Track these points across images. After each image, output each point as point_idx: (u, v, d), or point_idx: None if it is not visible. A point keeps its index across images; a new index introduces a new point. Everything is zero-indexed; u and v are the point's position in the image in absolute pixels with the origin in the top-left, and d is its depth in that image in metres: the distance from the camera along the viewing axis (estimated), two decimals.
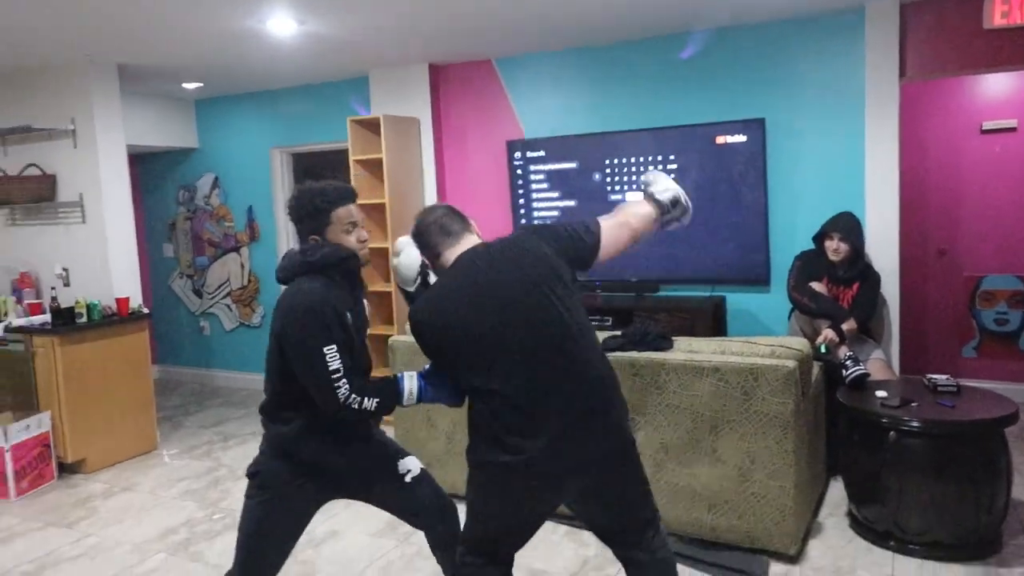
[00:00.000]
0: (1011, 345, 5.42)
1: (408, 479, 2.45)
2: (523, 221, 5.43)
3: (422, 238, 2.23)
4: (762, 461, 3.17)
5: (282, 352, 2.19)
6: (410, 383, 2.17)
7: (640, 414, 3.38)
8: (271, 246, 6.61)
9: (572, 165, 5.25)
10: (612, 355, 3.42)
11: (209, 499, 4.27)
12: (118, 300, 5.05)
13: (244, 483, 4.32)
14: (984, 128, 5.36)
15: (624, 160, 5.07)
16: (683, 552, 3.27)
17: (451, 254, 2.15)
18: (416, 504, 2.48)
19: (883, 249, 4.43)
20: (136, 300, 5.21)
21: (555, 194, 5.33)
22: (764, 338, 3.39)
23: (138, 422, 5.10)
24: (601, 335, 3.63)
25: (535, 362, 1.99)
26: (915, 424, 3.20)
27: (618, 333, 3.62)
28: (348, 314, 2.18)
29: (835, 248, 4.09)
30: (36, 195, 5.26)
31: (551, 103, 5.39)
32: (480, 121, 5.63)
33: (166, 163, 7.06)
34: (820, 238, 4.17)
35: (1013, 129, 5.29)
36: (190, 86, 6.07)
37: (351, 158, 5.45)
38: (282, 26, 4.24)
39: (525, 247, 2.12)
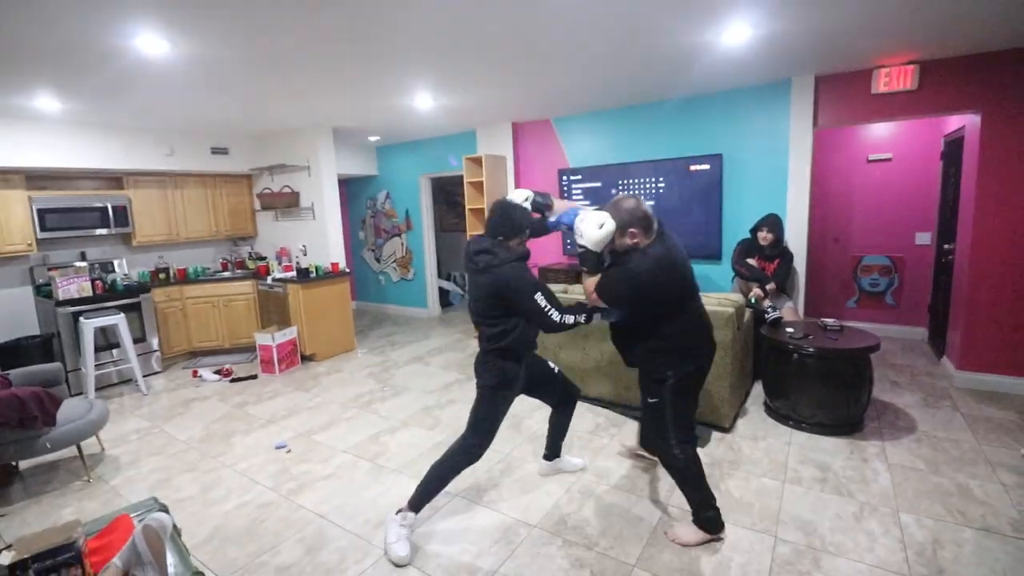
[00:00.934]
0: (880, 301, 5.06)
1: (556, 371, 2.52)
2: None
3: (637, 217, 1.99)
4: (713, 370, 3.08)
5: (507, 304, 2.08)
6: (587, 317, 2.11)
7: None
8: (419, 233, 6.73)
9: (598, 184, 5.13)
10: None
11: (382, 379, 4.45)
12: (332, 264, 5.26)
13: (404, 369, 4.62)
14: (869, 159, 4.95)
15: (632, 180, 4.92)
16: None
17: (653, 231, 2.03)
18: (560, 388, 2.50)
19: (797, 237, 4.17)
20: (342, 264, 5.42)
21: (587, 202, 5.21)
22: (715, 294, 3.28)
23: (344, 332, 5.33)
24: None
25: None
26: (811, 349, 3.06)
27: None
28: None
29: (764, 237, 3.90)
30: (288, 203, 5.50)
31: (586, 145, 5.23)
32: (542, 157, 5.53)
33: (360, 184, 7.24)
34: (755, 230, 3.98)
35: (889, 159, 4.87)
36: (373, 138, 6.18)
37: (465, 180, 5.45)
38: (423, 102, 4.25)
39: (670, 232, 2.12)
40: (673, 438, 2.12)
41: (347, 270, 5.44)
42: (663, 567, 2.04)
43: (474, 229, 5.49)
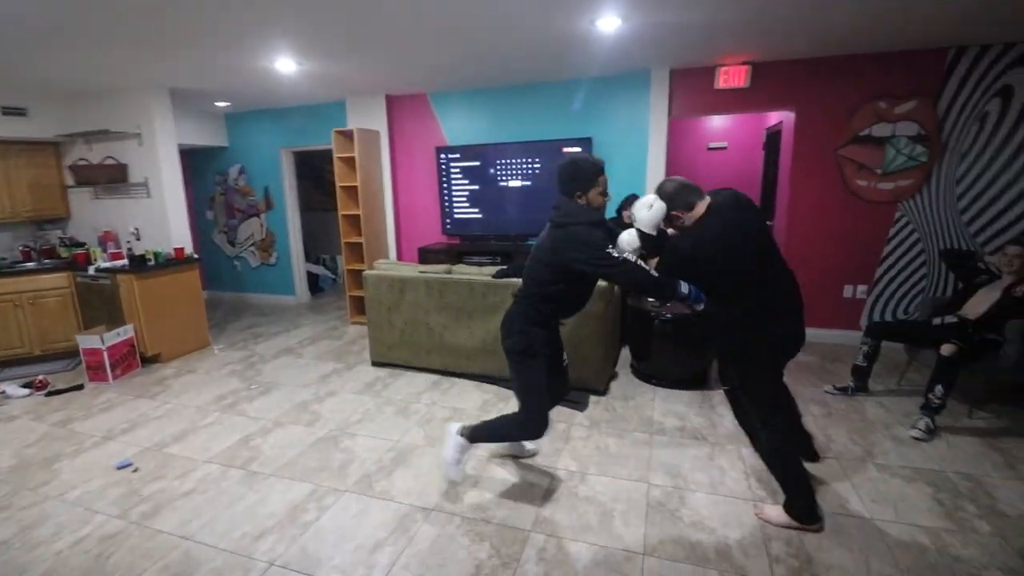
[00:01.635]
0: None
1: (566, 364, 2.41)
2: (446, 197, 5.28)
3: (680, 196, 1.98)
4: (588, 339, 3.31)
5: (563, 268, 2.03)
6: (686, 286, 2.01)
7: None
8: (282, 212, 6.13)
9: (477, 163, 5.12)
10: (504, 280, 3.45)
11: (247, 376, 4.03)
12: (176, 249, 4.58)
13: (273, 363, 4.23)
14: (709, 147, 5.62)
15: (509, 160, 5.00)
16: None
17: (701, 206, 1.98)
18: (561, 382, 2.40)
19: None
20: (188, 248, 4.74)
21: (466, 181, 5.20)
22: None
23: (195, 327, 4.71)
24: (493, 268, 3.64)
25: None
26: (668, 316, 3.42)
27: (504, 267, 3.62)
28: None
29: (629, 215, 4.20)
30: (112, 178, 4.63)
31: (464, 122, 5.18)
32: (418, 133, 5.36)
33: (205, 157, 6.36)
34: (620, 210, 4.28)
35: (725, 148, 5.58)
36: (221, 104, 5.44)
37: (334, 155, 5.08)
38: (286, 66, 3.84)
39: (741, 203, 2.01)
40: (757, 420, 2.10)
41: (195, 256, 4.77)
42: (556, 527, 2.16)
43: (346, 208, 5.16)
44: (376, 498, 2.40)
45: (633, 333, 3.71)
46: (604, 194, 2.06)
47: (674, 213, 1.98)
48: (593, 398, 3.36)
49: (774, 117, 5.01)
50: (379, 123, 5.31)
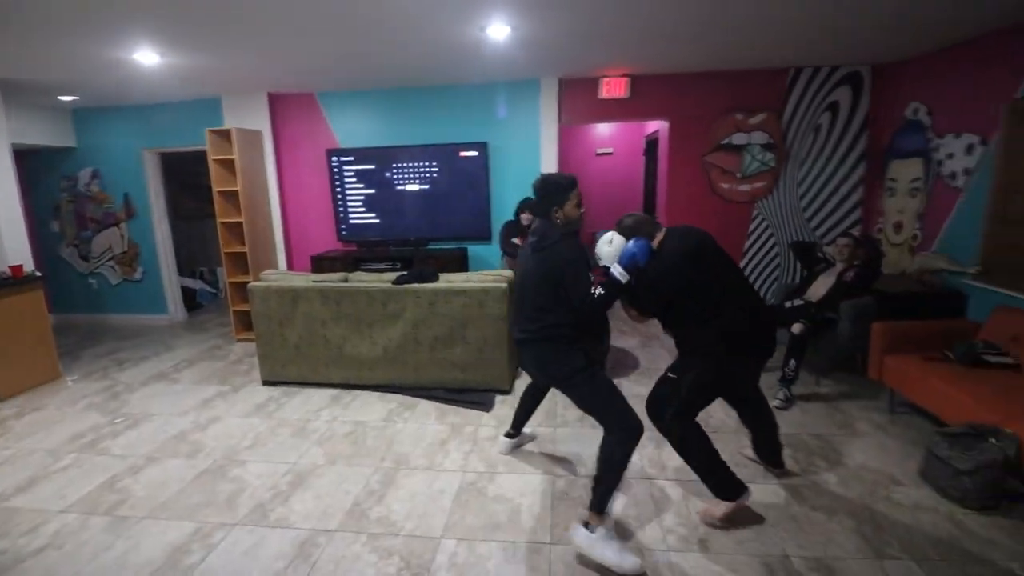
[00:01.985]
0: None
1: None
2: (340, 202, 5.07)
3: (642, 228, 2.07)
4: (491, 341, 3.36)
5: (558, 284, 1.94)
6: (616, 269, 1.94)
7: (421, 321, 3.39)
8: (147, 222, 5.48)
9: (372, 167, 4.98)
10: (405, 286, 3.39)
11: (110, 409, 3.54)
12: (12, 268, 3.91)
13: (142, 391, 3.78)
14: (597, 152, 5.97)
15: (405, 164, 4.92)
16: (451, 398, 3.41)
17: (660, 234, 2.08)
18: None
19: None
20: (28, 266, 4.07)
21: (361, 185, 5.03)
22: (489, 272, 3.54)
23: (41, 357, 4.04)
24: (394, 275, 3.57)
25: None
26: None
27: (404, 272, 3.56)
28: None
29: (527, 218, 4.30)
30: None
31: (356, 124, 4.99)
32: (307, 135, 5.08)
33: (46, 159, 5.48)
34: (517, 213, 4.38)
35: (611, 153, 5.97)
36: (67, 98, 4.73)
37: (210, 158, 4.65)
38: (147, 58, 3.44)
39: (693, 229, 2.11)
40: (678, 407, 2.11)
41: (37, 274, 4.10)
42: (467, 530, 2.18)
43: (225, 215, 4.75)
44: (272, 527, 2.24)
45: None
46: (580, 206, 2.05)
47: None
48: (499, 398, 3.42)
49: (652, 126, 5.46)
50: (261, 123, 4.96)
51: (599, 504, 1.95)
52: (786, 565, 1.94)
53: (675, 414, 2.12)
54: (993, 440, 2.22)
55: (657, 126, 5.15)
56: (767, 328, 2.12)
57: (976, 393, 2.49)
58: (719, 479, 2.13)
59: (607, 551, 1.89)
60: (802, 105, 4.43)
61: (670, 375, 2.23)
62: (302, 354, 3.62)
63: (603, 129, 5.89)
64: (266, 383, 3.77)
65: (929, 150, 3.82)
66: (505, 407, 3.29)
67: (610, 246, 2.01)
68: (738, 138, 4.54)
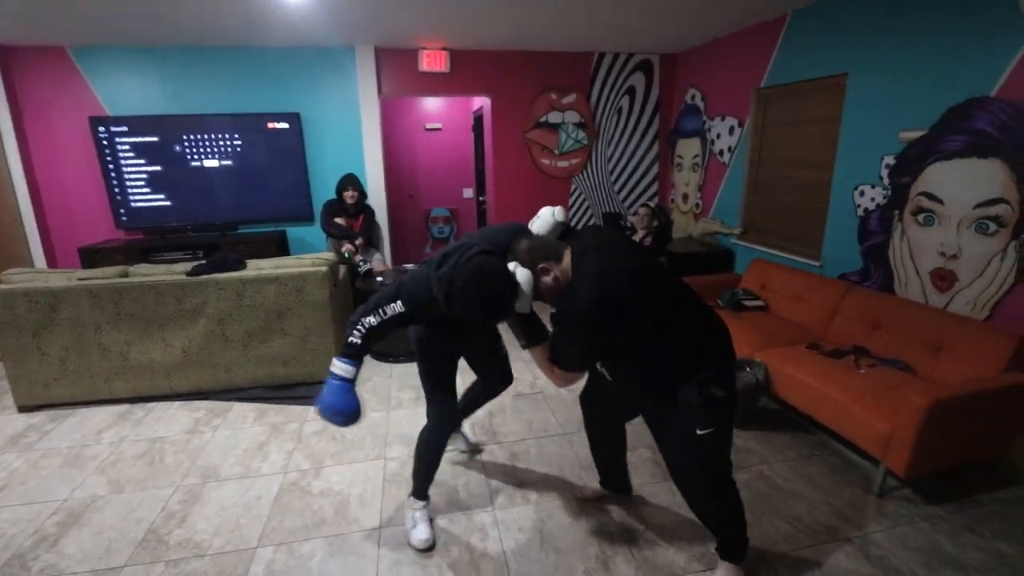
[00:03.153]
0: (447, 244, 6.24)
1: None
2: (115, 182, 4.23)
3: (538, 250, 1.51)
4: (314, 330, 3.16)
5: None
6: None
7: (228, 316, 3.04)
8: None
9: (155, 139, 4.23)
10: (203, 277, 2.98)
11: None
12: None
13: None
14: (426, 127, 5.88)
15: (202, 136, 4.28)
16: (270, 396, 3.14)
17: (567, 253, 1.52)
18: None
19: (376, 195, 4.61)
20: None
21: (142, 161, 4.25)
22: (307, 256, 3.29)
23: None
24: (190, 265, 3.12)
25: None
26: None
27: (202, 262, 3.13)
28: None
29: (351, 195, 4.11)
30: None
31: (132, 88, 4.15)
32: (60, 99, 4.08)
33: None
34: (340, 190, 4.14)
35: (440, 129, 5.92)
36: None
37: None
38: None
39: (606, 232, 1.63)
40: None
41: None
42: (286, 533, 2.04)
43: None
44: None
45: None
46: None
47: (543, 267, 1.49)
48: None
49: (478, 102, 5.52)
50: None
51: (416, 489, 2.02)
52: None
53: (720, 478, 1.61)
54: (748, 369, 2.75)
55: (481, 103, 5.22)
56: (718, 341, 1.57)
57: (736, 331, 3.04)
58: (741, 536, 1.74)
59: (414, 532, 1.96)
60: (606, 88, 4.86)
61: (699, 433, 1.52)
62: (72, 369, 2.99)
63: (432, 104, 5.80)
64: (23, 409, 3.05)
65: (705, 131, 4.49)
66: None
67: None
68: (554, 116, 4.82)
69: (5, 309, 2.87)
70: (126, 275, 3.01)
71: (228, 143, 4.32)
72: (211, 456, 2.57)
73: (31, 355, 2.95)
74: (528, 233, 1.68)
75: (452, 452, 2.53)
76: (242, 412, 2.99)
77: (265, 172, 4.44)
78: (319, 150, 4.51)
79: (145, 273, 3.03)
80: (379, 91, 4.47)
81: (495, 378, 2.21)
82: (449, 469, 2.42)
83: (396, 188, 5.80)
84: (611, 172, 5.08)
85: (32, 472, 2.48)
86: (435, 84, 4.55)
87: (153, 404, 3.09)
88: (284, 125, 4.36)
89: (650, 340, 1.46)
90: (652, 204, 4.34)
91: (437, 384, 1.94)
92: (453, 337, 1.93)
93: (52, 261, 4.31)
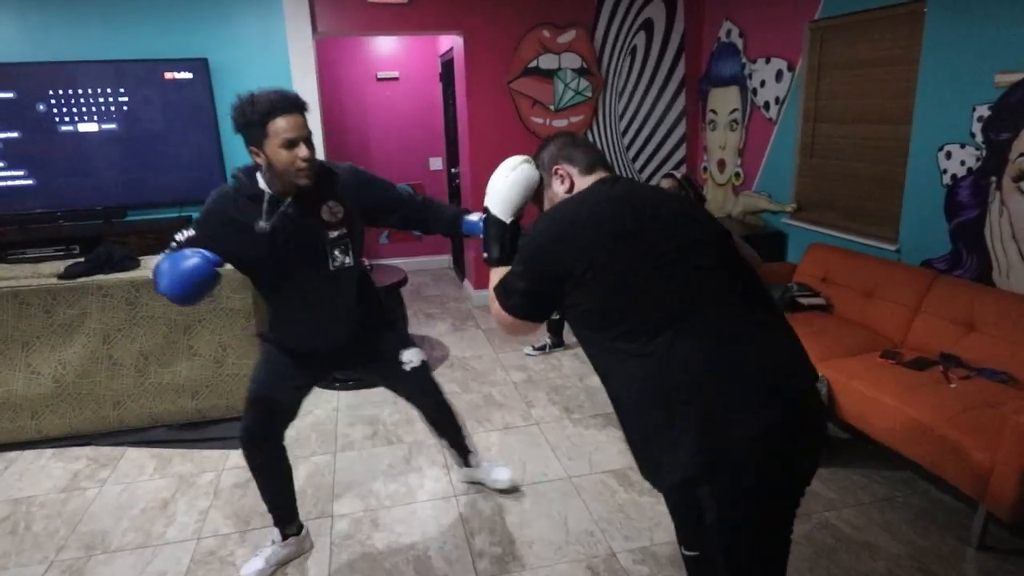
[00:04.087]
0: (407, 233, 6.13)
1: None
2: None
3: (578, 151, 1.57)
4: (232, 347, 3.16)
5: None
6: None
7: (116, 331, 3.02)
8: None
9: (11, 95, 4.16)
10: (82, 280, 2.96)
11: None
12: None
13: None
14: (378, 76, 5.88)
15: (72, 91, 4.22)
16: (176, 438, 3.13)
17: (591, 177, 1.55)
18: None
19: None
20: None
21: None
22: None
23: None
24: (63, 264, 3.09)
25: None
26: None
27: (81, 260, 3.10)
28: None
29: None
30: None
31: None
32: None
33: None
34: None
35: (397, 78, 5.93)
36: None
37: None
38: None
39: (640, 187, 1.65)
40: None
41: None
42: None
43: None
44: None
45: None
46: (291, 147, 1.83)
47: (560, 171, 1.55)
48: None
49: (446, 42, 5.52)
50: None
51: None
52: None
53: None
54: None
55: (451, 43, 5.22)
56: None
57: None
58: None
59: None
60: (615, 21, 4.90)
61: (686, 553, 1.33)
62: None
63: (385, 47, 5.79)
64: None
65: (744, 77, 4.55)
66: None
67: (508, 176, 1.66)
68: (547, 60, 4.85)
69: None
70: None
71: (111, 100, 4.27)
72: (97, 520, 2.57)
73: None
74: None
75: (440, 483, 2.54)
76: (138, 461, 3.00)
77: (163, 138, 4.39)
78: None
79: (1, 276, 2.99)
80: (314, 29, 4.46)
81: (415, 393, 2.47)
82: (418, 524, 2.43)
83: (340, 157, 5.77)
84: (623, 133, 5.13)
85: None
86: (389, 19, 4.55)
87: (15, 453, 3.08)
88: (187, 75, 4.32)
89: (613, 341, 1.31)
90: (678, 175, 4.35)
91: (250, 381, 2.21)
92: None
93: None
